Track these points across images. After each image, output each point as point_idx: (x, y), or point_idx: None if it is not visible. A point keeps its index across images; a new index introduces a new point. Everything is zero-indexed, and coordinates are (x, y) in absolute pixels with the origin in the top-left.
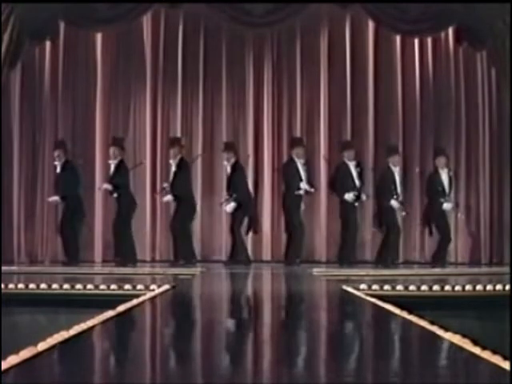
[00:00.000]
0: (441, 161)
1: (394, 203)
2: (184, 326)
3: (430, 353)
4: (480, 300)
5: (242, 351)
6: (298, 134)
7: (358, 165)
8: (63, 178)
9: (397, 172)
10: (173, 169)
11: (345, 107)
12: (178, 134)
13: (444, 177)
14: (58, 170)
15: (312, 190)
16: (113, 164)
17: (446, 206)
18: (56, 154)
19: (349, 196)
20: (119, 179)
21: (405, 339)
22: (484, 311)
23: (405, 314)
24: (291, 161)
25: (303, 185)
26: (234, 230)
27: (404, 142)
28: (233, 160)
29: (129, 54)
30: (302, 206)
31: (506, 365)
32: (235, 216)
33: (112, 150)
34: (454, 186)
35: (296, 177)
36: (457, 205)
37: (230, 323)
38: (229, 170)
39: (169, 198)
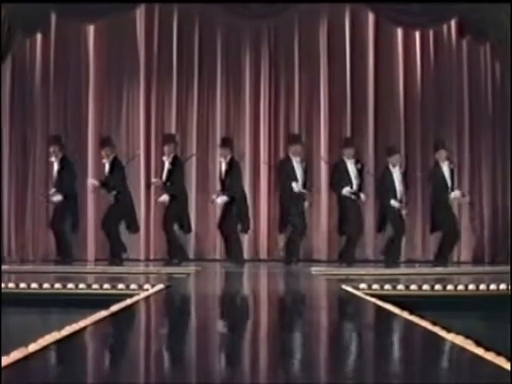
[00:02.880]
0: (442, 154)
1: (393, 203)
2: (179, 326)
3: (433, 354)
4: (483, 300)
5: (238, 352)
6: (296, 131)
7: (357, 162)
8: (63, 175)
9: (395, 171)
10: (167, 166)
11: (345, 103)
12: (173, 130)
13: (445, 169)
14: (56, 166)
15: (304, 190)
16: (107, 163)
17: (454, 195)
18: (51, 149)
19: (346, 190)
20: (115, 178)
21: (406, 340)
22: (488, 311)
23: (406, 315)
24: (287, 159)
25: (295, 185)
26: (228, 228)
27: (406, 138)
28: (229, 157)
29: (122, 48)
30: (306, 205)
31: (509, 366)
32: (229, 214)
33: (104, 151)
34: (457, 181)
35: (291, 176)
36: (463, 195)
37: (225, 323)
38: (224, 166)
39: (165, 197)
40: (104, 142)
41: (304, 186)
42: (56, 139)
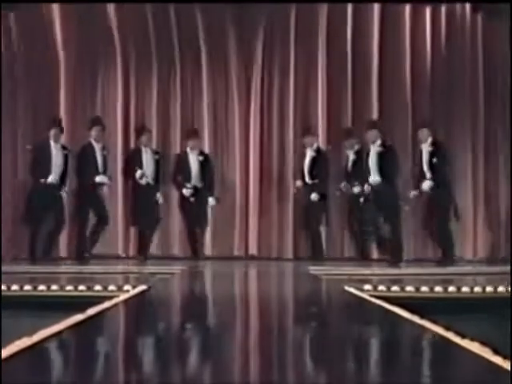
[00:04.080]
0: (423, 133)
1: (371, 181)
2: (162, 332)
3: (446, 362)
4: (502, 303)
5: (227, 361)
6: (290, 121)
7: (356, 152)
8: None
9: (373, 148)
10: (154, 157)
11: (345, 86)
12: (153, 120)
13: (424, 152)
14: (64, 152)
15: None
16: (101, 149)
17: (425, 185)
18: (52, 132)
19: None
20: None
21: (416, 347)
22: (507, 315)
23: (416, 319)
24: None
25: (298, 182)
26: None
27: (413, 123)
28: (198, 149)
29: (93, 31)
30: (313, 197)
31: None
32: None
33: (94, 131)
34: (472, 171)
35: (301, 170)
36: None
37: (212, 331)
38: (199, 158)
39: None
40: (94, 121)
41: (311, 177)
42: (55, 122)
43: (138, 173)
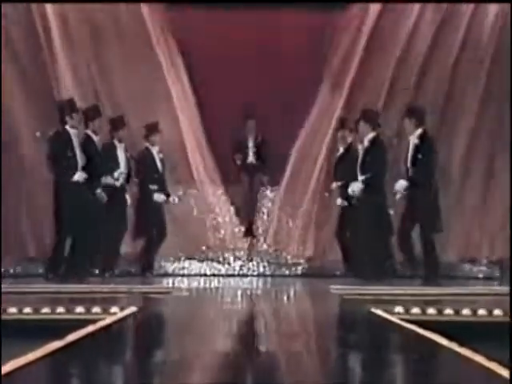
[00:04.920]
0: (406, 125)
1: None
2: (153, 362)
3: None
4: None
5: None
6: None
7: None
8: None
9: (364, 142)
10: (126, 155)
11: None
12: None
13: (411, 145)
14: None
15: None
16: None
17: (398, 185)
18: (77, 116)
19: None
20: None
21: (455, 379)
22: None
23: (455, 346)
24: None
25: (334, 184)
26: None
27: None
28: (158, 146)
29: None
30: (338, 202)
31: None
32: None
33: (94, 123)
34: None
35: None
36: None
37: (216, 359)
38: (160, 156)
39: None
40: (94, 111)
41: (338, 178)
42: (72, 105)
43: (116, 173)
